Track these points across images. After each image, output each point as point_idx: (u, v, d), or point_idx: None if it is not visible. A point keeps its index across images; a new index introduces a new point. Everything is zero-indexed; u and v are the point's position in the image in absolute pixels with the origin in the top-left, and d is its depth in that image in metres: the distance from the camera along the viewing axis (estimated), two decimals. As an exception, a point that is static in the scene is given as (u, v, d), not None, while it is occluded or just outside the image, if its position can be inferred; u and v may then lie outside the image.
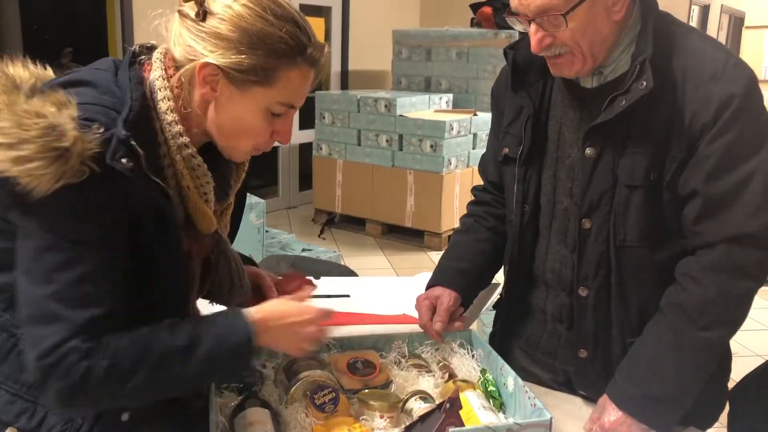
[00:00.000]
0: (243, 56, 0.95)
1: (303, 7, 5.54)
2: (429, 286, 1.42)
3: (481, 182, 1.53)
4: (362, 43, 6.04)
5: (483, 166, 1.51)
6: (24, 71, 1.00)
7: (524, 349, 1.42)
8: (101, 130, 0.88)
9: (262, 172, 5.65)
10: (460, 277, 1.41)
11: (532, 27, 1.14)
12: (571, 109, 1.26)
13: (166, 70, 0.99)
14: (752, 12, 12.48)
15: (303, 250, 3.24)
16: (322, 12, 5.82)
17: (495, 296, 1.52)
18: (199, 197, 1.01)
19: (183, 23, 0.98)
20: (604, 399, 1.19)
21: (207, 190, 1.02)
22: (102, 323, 0.90)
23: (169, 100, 0.98)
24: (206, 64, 0.95)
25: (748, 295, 1.14)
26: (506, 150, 1.34)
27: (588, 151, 1.21)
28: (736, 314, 1.15)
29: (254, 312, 1.02)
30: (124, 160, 0.89)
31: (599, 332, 1.26)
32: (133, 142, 0.89)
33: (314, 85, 1.07)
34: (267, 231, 3.18)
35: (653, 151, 1.15)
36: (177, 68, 0.99)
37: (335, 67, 5.98)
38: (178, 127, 0.98)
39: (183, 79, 0.98)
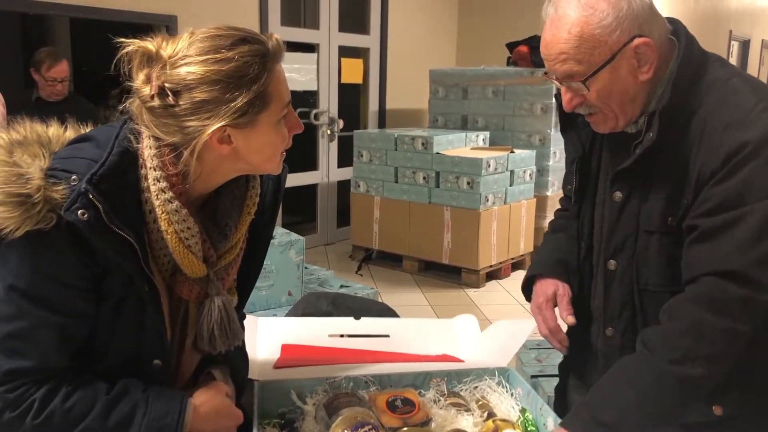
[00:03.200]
0: (234, 102, 0.96)
1: (342, 49, 5.68)
2: (530, 279, 1.43)
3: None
4: (399, 82, 6.14)
5: None
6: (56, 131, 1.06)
7: (579, 383, 1.44)
8: (74, 183, 0.94)
9: (301, 209, 5.73)
10: (563, 267, 1.40)
11: (562, 88, 1.20)
12: (612, 153, 1.30)
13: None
14: (795, 46, 12.29)
15: (341, 286, 3.26)
16: (361, 53, 5.95)
17: (528, 333, 1.52)
18: (179, 242, 1.02)
19: (159, 111, 0.98)
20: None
21: (188, 235, 1.03)
22: (26, 375, 0.96)
23: (151, 149, 1.00)
24: (213, 132, 0.97)
25: (730, 335, 1.06)
26: (568, 186, 1.40)
27: (616, 195, 1.25)
28: (712, 351, 1.06)
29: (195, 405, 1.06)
30: (80, 212, 0.92)
31: None
32: (91, 195, 0.93)
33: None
34: (306, 267, 3.22)
35: (669, 197, 1.17)
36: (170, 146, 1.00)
37: (373, 106, 6.08)
38: (157, 173, 1.00)
39: (185, 151, 0.99)
